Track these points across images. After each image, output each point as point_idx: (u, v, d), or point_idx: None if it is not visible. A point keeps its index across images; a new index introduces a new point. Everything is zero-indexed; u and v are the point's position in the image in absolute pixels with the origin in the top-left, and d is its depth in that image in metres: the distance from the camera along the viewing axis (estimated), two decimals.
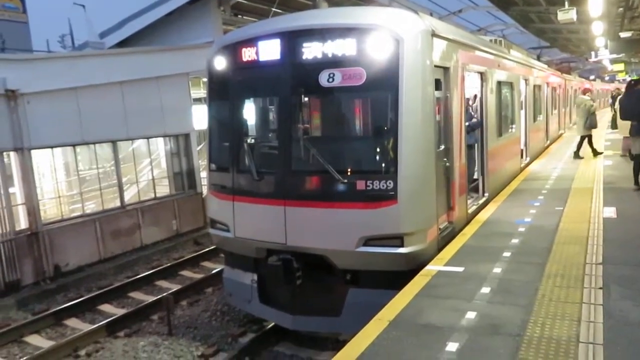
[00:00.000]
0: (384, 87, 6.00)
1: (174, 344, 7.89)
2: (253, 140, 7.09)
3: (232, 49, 6.81)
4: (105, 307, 9.73)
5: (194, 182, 14.92)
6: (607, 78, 57.60)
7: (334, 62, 5.94)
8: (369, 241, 5.87)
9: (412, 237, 5.85)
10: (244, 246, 6.88)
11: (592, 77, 50.28)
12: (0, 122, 10.28)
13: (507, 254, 5.89)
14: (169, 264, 11.79)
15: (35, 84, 10.87)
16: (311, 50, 6.07)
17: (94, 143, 12.55)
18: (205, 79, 9.29)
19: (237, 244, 6.97)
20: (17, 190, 10.98)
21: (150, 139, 14.28)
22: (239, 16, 18.79)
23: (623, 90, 13.57)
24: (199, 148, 15.32)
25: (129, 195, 13.87)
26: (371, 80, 5.84)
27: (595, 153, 13.79)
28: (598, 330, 3.92)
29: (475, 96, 9.21)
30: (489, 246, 6.24)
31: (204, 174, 14.27)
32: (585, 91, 14.79)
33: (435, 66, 6.30)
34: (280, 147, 6.49)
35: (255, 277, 6.97)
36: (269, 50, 6.37)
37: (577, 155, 13.64)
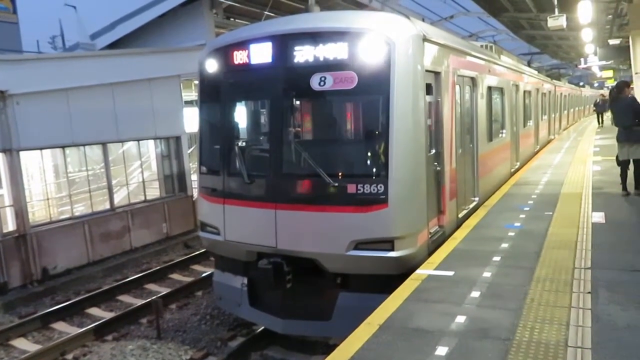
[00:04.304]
0: (375, 91, 6.02)
1: (163, 347, 7.84)
2: (244, 143, 7.05)
3: (224, 52, 6.80)
4: (94, 311, 9.63)
5: (185, 185, 14.87)
6: (596, 84, 58.20)
7: (326, 66, 5.94)
8: (359, 245, 5.87)
9: (403, 241, 5.85)
10: (234, 249, 6.85)
11: (581, 83, 50.83)
12: None
13: (497, 258, 5.90)
14: (158, 267, 11.71)
15: (25, 84, 10.80)
16: (303, 54, 6.07)
17: (83, 145, 12.48)
18: (196, 82, 9.26)
19: (228, 247, 6.94)
20: (5, 192, 10.89)
21: (140, 141, 14.23)
22: (231, 19, 18.81)
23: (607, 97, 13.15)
24: (189, 151, 15.27)
25: (119, 197, 13.78)
26: (362, 84, 5.84)
27: None
28: (586, 335, 3.93)
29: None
30: (479, 250, 6.25)
31: (194, 177, 14.21)
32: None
33: (427, 71, 6.32)
34: (271, 150, 6.48)
35: (245, 280, 6.93)
36: (261, 54, 6.36)
37: None
